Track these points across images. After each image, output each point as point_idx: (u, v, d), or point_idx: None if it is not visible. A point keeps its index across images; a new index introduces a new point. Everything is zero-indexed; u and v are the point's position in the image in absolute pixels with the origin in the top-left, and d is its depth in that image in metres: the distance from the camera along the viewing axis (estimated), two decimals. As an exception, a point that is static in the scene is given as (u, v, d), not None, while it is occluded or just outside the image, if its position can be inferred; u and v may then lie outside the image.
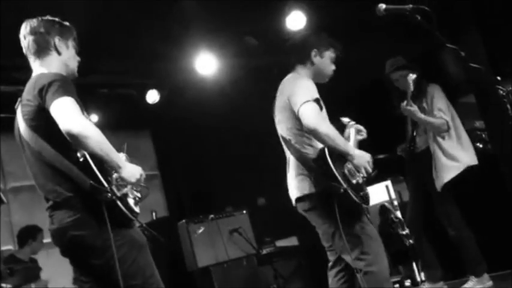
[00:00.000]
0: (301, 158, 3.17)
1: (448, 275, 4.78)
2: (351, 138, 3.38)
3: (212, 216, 6.00)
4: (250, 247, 5.87)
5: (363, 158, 3.10)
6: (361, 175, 3.11)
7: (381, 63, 4.77)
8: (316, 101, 3.08)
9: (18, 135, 2.61)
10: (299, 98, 3.09)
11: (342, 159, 3.06)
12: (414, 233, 4.68)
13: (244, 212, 6.15)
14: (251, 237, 5.97)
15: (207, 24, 5.35)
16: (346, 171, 3.05)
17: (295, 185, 3.21)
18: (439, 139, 4.38)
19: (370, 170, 3.11)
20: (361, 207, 3.10)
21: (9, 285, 4.64)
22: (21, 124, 2.55)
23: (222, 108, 6.70)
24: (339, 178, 2.97)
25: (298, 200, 3.21)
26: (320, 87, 3.30)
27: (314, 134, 3.03)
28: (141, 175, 2.50)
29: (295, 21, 5.42)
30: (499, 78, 2.93)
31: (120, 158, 2.45)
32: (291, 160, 3.26)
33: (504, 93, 2.92)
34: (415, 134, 4.55)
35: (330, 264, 3.36)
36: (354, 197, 2.98)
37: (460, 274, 4.74)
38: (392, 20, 3.02)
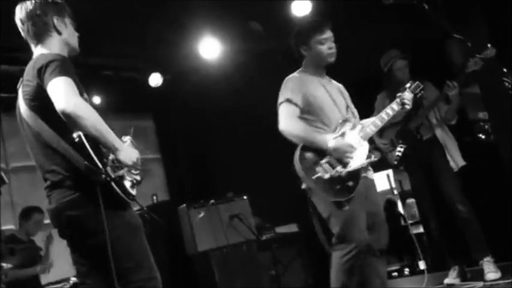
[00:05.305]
0: None
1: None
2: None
3: (213, 201, 6.00)
4: (250, 233, 5.88)
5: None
6: None
7: (384, 51, 4.74)
8: (288, 100, 3.25)
9: (19, 115, 2.60)
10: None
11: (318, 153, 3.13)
12: (433, 219, 4.64)
13: (245, 197, 6.15)
14: (251, 223, 5.98)
15: (212, 9, 5.31)
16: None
17: None
18: (446, 127, 4.53)
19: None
20: None
21: (9, 265, 4.64)
22: (21, 104, 2.55)
23: (225, 92, 6.67)
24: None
25: None
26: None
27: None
28: (137, 158, 2.49)
29: (301, 6, 5.37)
30: (505, 70, 2.92)
31: (117, 140, 2.44)
32: None
33: (509, 86, 2.90)
34: (421, 123, 4.55)
35: None
36: None
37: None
38: (398, 8, 3.00)
